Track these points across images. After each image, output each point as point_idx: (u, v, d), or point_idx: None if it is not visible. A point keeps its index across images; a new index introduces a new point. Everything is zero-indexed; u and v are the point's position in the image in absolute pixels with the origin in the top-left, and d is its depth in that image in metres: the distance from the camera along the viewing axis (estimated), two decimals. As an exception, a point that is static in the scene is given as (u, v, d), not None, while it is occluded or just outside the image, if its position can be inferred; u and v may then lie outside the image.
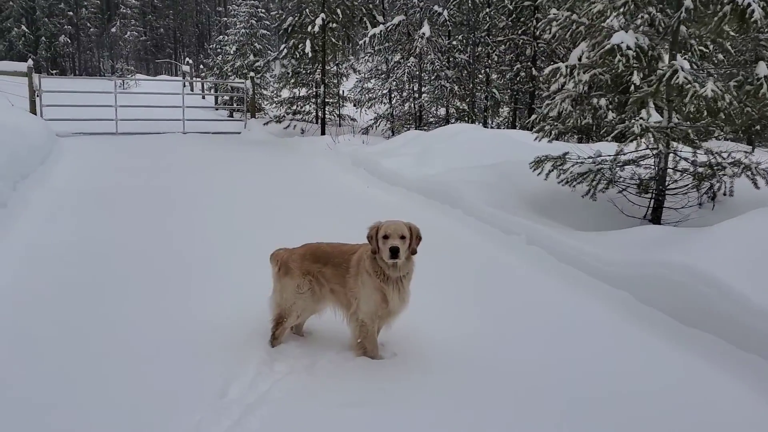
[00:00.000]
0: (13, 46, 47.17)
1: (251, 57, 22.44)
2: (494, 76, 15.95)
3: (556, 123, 7.89)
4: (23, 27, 47.78)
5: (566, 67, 7.62)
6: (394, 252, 3.58)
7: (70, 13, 52.06)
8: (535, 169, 8.01)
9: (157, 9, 63.34)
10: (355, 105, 18.28)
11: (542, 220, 7.36)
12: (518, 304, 5.11)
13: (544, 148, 8.36)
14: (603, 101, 7.55)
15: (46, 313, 4.58)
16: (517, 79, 16.11)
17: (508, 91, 16.46)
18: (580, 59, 7.71)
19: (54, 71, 50.40)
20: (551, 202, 8.11)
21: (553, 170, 7.92)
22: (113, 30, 55.16)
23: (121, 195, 8.93)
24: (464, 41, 15.50)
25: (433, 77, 15.70)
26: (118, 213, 7.85)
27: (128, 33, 56.20)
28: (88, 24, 54.96)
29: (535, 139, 8.15)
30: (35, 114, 15.20)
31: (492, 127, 15.93)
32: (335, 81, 18.85)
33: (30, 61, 15.98)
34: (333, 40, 17.12)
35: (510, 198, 8.04)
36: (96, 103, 16.58)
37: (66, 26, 51.87)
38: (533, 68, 15.43)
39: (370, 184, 10.61)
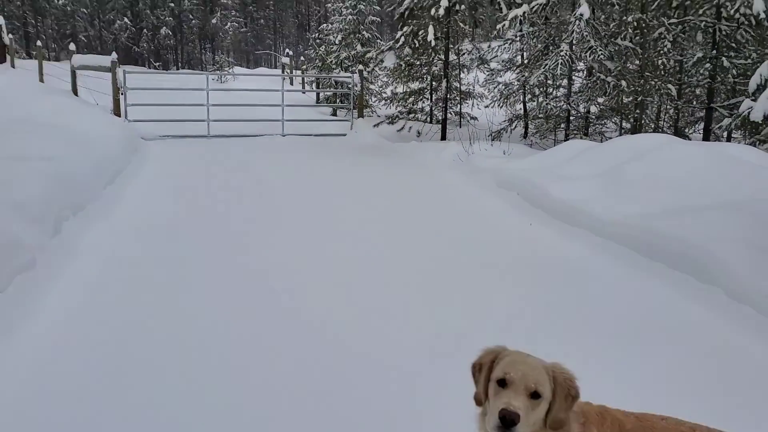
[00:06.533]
0: (117, 39, 47.32)
1: (358, 47, 19.84)
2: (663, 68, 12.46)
3: None
4: (126, 20, 47.83)
5: None
6: (506, 422, 1.74)
7: (172, 4, 51.75)
8: None
9: (258, -1, 62.48)
10: (486, 103, 15.23)
11: None
12: None
13: None
14: None
15: None
16: (700, 71, 12.58)
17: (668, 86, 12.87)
18: None
19: (157, 63, 50.45)
20: None
21: None
22: (213, 21, 54.74)
23: (203, 235, 6.52)
24: (627, 24, 12.13)
25: (586, 68, 12.47)
26: (196, 277, 5.39)
27: (228, 24, 55.72)
28: (191, 16, 54.59)
29: None
30: (119, 115, 13.28)
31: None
32: (455, 73, 15.93)
33: (114, 55, 14.06)
34: (461, 24, 14.19)
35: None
36: (188, 101, 14.55)
37: (168, 18, 51.64)
38: (721, 58, 11.90)
39: (533, 219, 7.71)
